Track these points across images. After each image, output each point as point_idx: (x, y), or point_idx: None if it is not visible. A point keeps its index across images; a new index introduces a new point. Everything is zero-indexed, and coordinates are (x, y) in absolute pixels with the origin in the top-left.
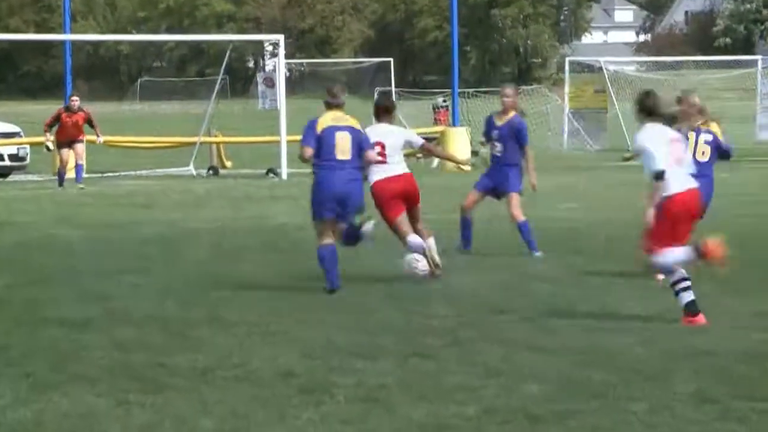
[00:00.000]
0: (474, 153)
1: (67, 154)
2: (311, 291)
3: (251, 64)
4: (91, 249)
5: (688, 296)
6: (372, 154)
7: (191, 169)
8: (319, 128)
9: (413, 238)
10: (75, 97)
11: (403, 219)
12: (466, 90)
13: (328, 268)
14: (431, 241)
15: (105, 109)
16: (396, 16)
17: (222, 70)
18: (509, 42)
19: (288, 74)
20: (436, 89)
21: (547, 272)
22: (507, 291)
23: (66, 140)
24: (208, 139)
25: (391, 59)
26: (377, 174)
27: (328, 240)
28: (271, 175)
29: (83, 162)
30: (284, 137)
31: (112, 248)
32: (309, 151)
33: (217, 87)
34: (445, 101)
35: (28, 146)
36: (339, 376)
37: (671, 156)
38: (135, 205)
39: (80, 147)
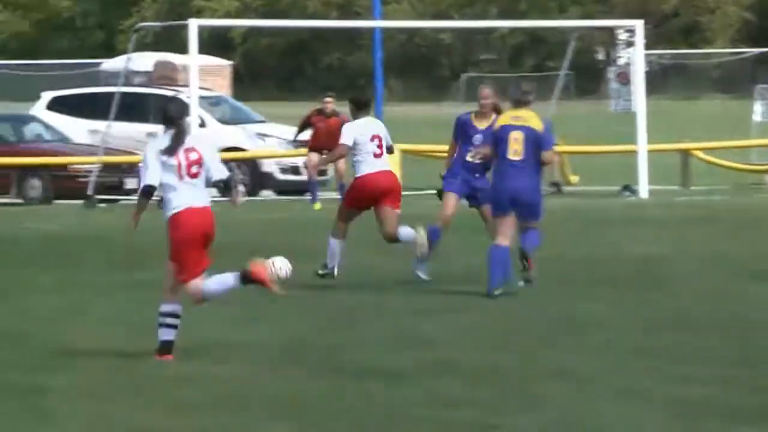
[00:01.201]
0: None
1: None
2: (674, 337)
3: (601, 57)
4: (404, 283)
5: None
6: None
7: None
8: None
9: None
10: (329, 98)
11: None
12: None
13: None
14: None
15: (421, 110)
16: None
17: (565, 64)
18: None
19: (647, 69)
20: None
21: None
22: None
23: (318, 148)
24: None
25: None
26: (371, 166)
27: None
28: (627, 193)
29: (344, 179)
30: (643, 146)
31: (428, 282)
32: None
33: (559, 84)
34: None
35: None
36: None
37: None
38: (459, 229)
39: (340, 162)
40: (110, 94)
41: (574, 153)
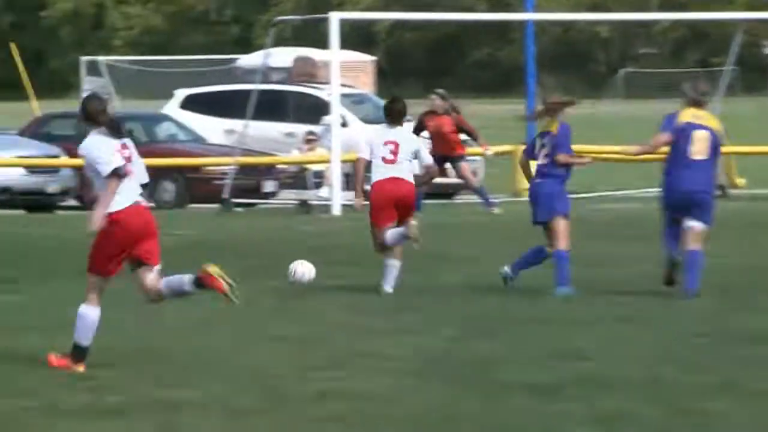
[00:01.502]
0: None
1: (460, 169)
2: None
3: None
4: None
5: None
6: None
7: None
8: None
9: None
10: (434, 96)
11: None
12: None
13: None
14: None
15: (576, 108)
16: None
17: (731, 59)
18: None
19: None
20: None
21: None
22: None
23: (438, 154)
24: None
25: None
26: (381, 173)
27: None
28: None
29: (475, 182)
30: None
31: (587, 293)
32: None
33: (724, 80)
34: None
35: (478, 158)
36: None
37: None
38: (620, 237)
39: (463, 166)
40: (247, 92)
41: (741, 154)
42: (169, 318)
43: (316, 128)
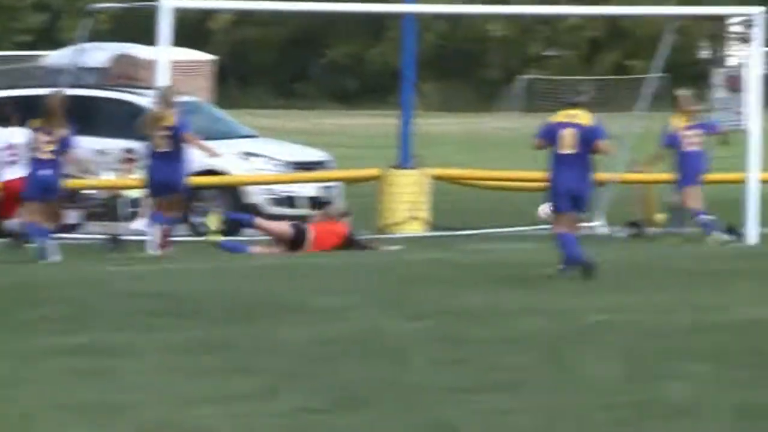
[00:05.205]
0: None
1: None
2: None
3: (705, 55)
4: None
5: None
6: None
7: (602, 224)
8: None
9: None
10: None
11: None
12: None
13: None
14: None
15: (461, 123)
16: None
17: (657, 64)
18: None
19: (766, 71)
20: None
21: None
22: None
23: None
24: (632, 176)
25: None
26: None
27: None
28: (731, 236)
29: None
30: (755, 175)
31: (471, 351)
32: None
33: (648, 90)
34: None
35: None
36: None
37: None
38: (510, 281)
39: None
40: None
41: (661, 182)
42: None
43: (137, 145)
